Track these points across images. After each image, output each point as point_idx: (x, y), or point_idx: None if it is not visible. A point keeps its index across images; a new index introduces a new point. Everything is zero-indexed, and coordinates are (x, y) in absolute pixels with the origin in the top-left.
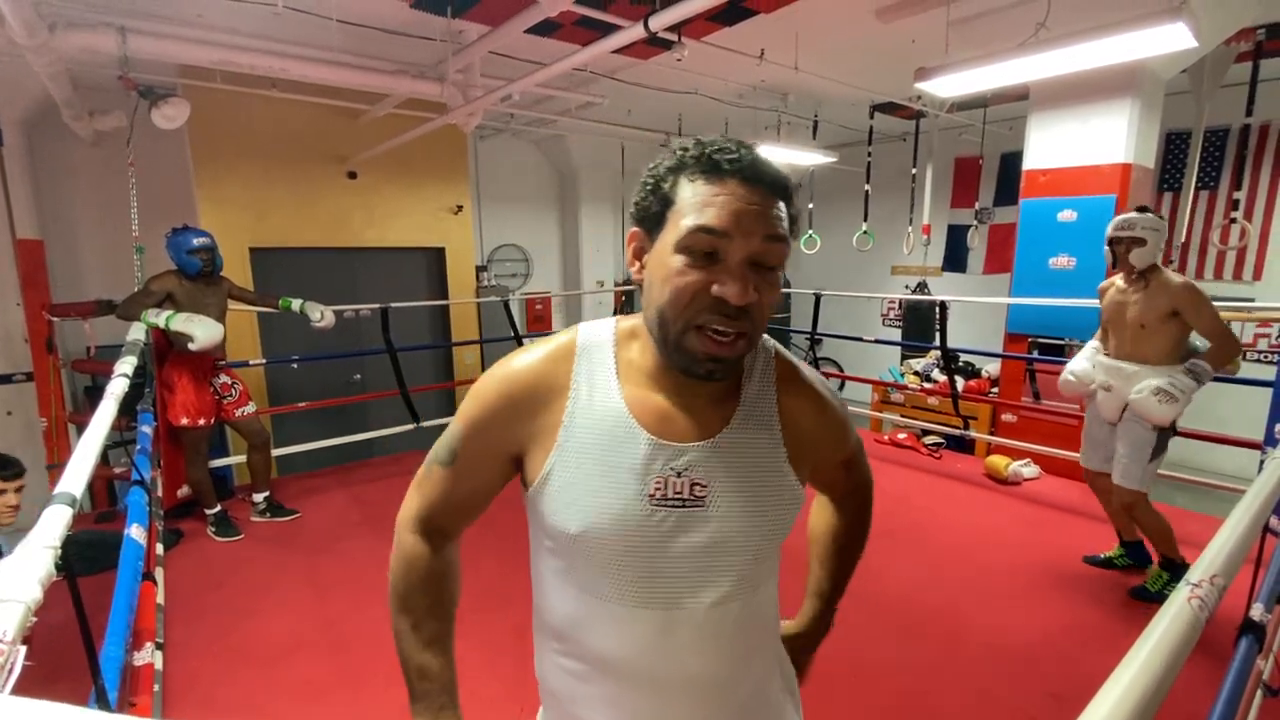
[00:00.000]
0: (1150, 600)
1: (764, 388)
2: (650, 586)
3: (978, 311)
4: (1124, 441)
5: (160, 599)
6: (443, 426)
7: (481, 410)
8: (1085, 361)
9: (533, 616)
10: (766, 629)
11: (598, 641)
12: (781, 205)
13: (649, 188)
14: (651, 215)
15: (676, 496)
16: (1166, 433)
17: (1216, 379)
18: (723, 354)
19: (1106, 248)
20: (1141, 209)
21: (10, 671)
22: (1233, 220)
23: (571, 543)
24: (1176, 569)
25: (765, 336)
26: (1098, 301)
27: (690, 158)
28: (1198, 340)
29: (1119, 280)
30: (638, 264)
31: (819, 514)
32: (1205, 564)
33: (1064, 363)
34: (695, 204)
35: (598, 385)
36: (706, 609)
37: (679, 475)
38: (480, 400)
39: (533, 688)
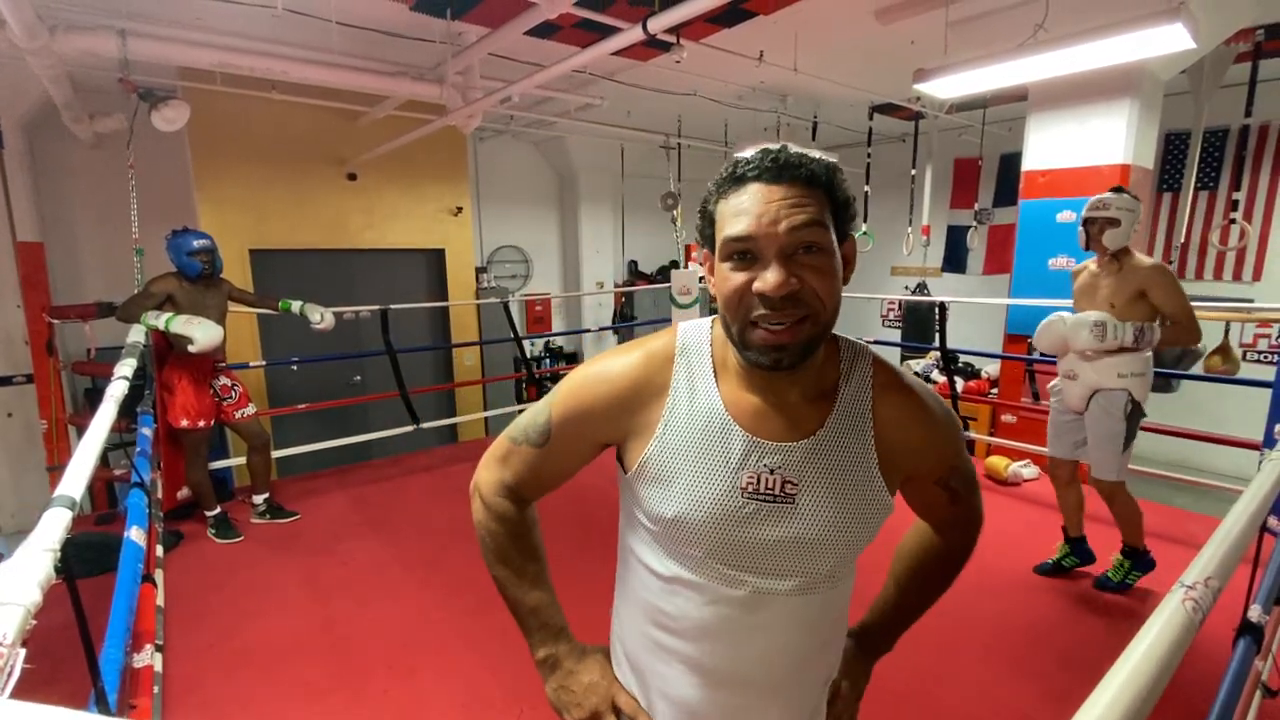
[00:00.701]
0: (1114, 590)
1: (860, 393)
2: (737, 571)
3: (977, 312)
4: (1094, 433)
5: (160, 601)
6: (443, 428)
7: (581, 406)
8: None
9: (616, 588)
10: (841, 622)
11: (687, 614)
12: (815, 193)
13: (700, 213)
14: (707, 237)
15: (768, 492)
16: (1134, 419)
17: (1217, 380)
18: (782, 341)
19: (1080, 228)
20: (1117, 189)
21: (10, 674)
22: (1232, 221)
23: (667, 525)
24: (1139, 557)
25: (864, 345)
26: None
27: (722, 179)
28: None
29: (1091, 264)
30: (710, 279)
31: (912, 535)
32: (1200, 566)
33: None
34: (727, 217)
35: (697, 385)
36: (788, 597)
37: (772, 472)
38: (581, 397)
39: (532, 688)
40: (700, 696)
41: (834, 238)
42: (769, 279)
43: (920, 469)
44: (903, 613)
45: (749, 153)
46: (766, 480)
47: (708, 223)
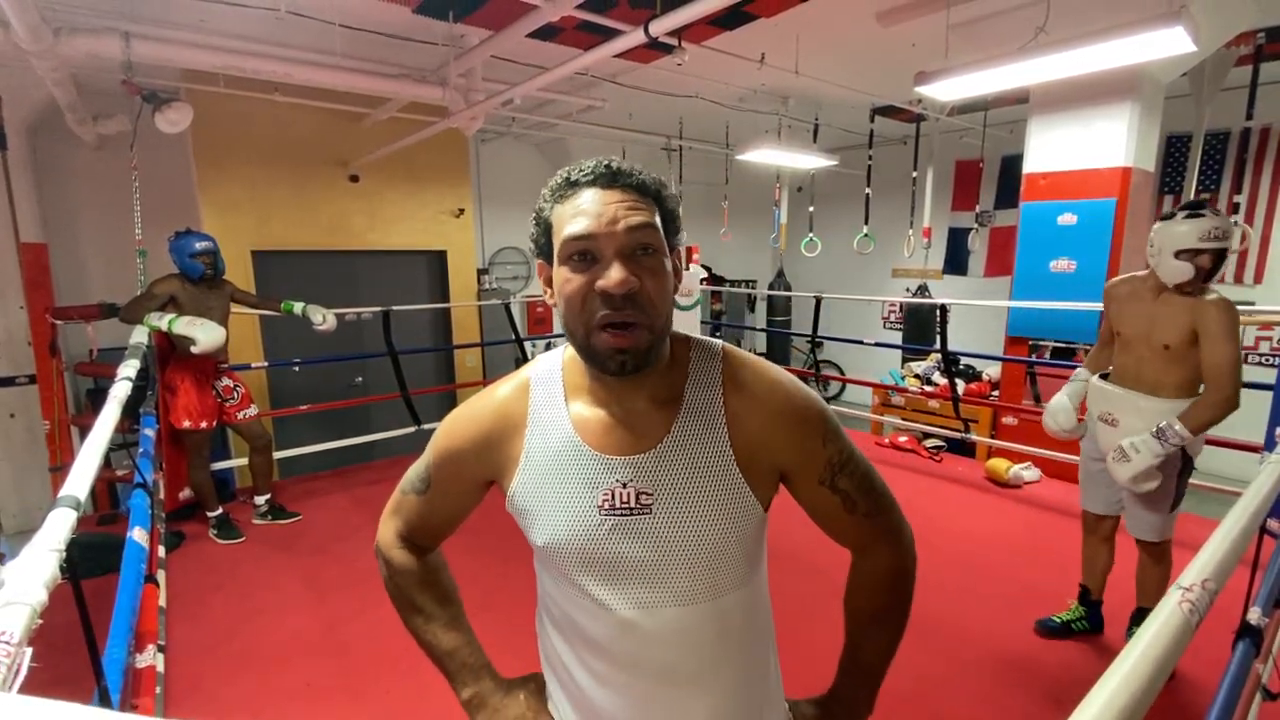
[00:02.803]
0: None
1: (709, 392)
2: (611, 589)
3: (978, 314)
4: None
5: (162, 601)
6: None
7: (452, 447)
8: (1067, 400)
9: (536, 610)
10: (741, 638)
11: (581, 631)
12: (646, 200)
13: (535, 221)
14: (542, 245)
15: (624, 506)
16: (1185, 475)
17: None
18: (624, 345)
19: (1185, 262)
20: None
21: (17, 673)
22: (1233, 223)
23: (541, 552)
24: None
25: (712, 340)
26: (1101, 305)
27: (557, 185)
28: None
29: (1141, 279)
30: (549, 291)
31: (850, 575)
32: (1197, 568)
33: (1071, 367)
34: (565, 219)
35: (550, 411)
36: (667, 610)
37: (624, 486)
38: (450, 437)
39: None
40: (618, 703)
41: (666, 244)
42: (612, 276)
43: (792, 465)
44: (858, 662)
45: (575, 164)
46: (620, 495)
47: (543, 230)
